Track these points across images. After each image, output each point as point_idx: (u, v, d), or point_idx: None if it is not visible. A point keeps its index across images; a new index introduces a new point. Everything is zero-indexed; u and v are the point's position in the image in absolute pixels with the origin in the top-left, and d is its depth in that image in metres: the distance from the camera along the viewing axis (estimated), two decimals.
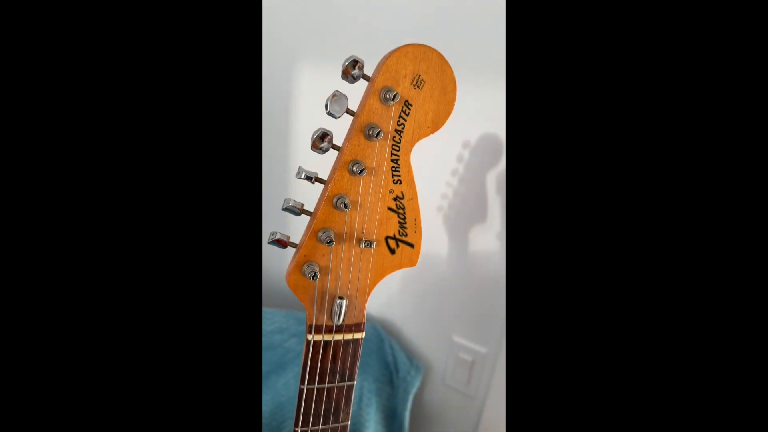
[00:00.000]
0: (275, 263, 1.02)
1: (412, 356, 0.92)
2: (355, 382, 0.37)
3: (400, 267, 0.37)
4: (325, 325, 0.35)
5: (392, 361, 0.90)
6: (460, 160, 0.73)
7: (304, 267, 0.34)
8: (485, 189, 0.73)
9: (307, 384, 0.35)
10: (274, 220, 0.98)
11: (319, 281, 0.34)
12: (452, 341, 0.89)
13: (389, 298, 0.92)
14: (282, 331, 0.90)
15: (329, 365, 0.35)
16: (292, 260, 0.34)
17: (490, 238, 0.76)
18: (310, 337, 0.34)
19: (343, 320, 0.35)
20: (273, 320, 0.91)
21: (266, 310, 0.92)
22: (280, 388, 0.87)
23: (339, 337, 0.35)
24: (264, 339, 0.89)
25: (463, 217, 0.78)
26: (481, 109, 0.68)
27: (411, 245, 0.37)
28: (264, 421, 0.87)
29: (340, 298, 0.35)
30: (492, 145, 0.70)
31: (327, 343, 0.35)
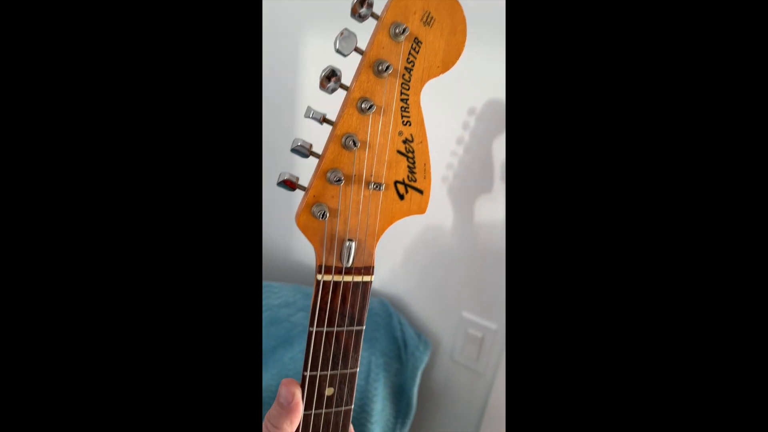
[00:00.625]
0: (282, 237, 1.02)
1: (420, 332, 0.92)
2: (364, 328, 0.37)
3: (409, 213, 0.37)
4: (335, 267, 0.35)
5: (400, 336, 0.90)
6: (465, 128, 0.73)
7: (313, 207, 0.33)
8: (491, 158, 0.73)
9: (317, 326, 0.35)
10: (275, 202, 0.98)
11: (328, 223, 0.34)
12: (461, 317, 0.89)
13: (396, 273, 0.92)
14: (289, 305, 0.90)
15: (338, 308, 0.35)
16: (302, 202, 0.34)
17: (497, 209, 0.75)
18: (319, 277, 0.34)
19: (353, 262, 0.35)
20: (279, 294, 0.91)
21: (273, 284, 0.92)
22: (287, 363, 0.87)
23: (348, 278, 0.35)
24: (270, 313, 0.89)
25: (468, 187, 0.78)
26: (487, 74, 0.68)
27: (420, 191, 0.36)
28: (271, 395, 0.87)
29: (350, 240, 0.35)
30: (499, 111, 0.69)
31: (337, 284, 0.35)
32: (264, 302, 0.90)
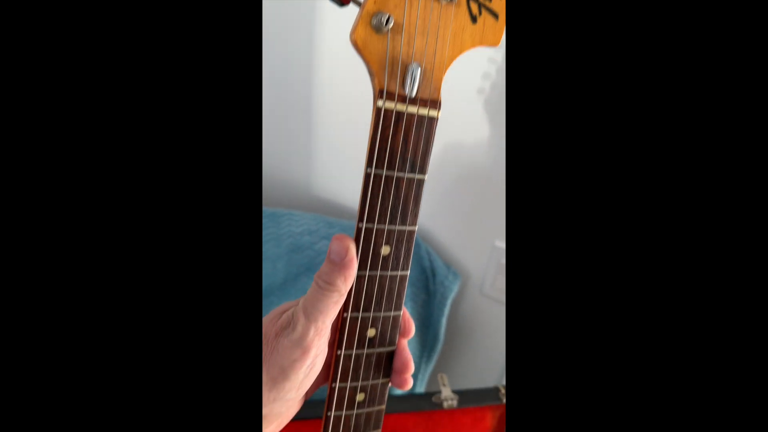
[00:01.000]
0: (302, 173, 0.97)
1: (449, 264, 0.88)
2: (425, 179, 0.32)
3: (481, 43, 0.31)
4: (398, 94, 0.29)
5: (428, 266, 0.85)
6: None
7: (373, 17, 0.28)
8: None
9: (375, 168, 0.30)
10: (295, 138, 0.92)
11: (390, 42, 0.29)
12: (494, 246, 0.84)
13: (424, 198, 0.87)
14: (311, 233, 0.85)
15: (399, 148, 0.30)
16: (359, 14, 0.29)
17: None
18: (380, 103, 0.29)
19: (418, 91, 0.30)
20: (300, 222, 0.86)
21: (294, 213, 0.88)
22: (298, 293, 0.83)
23: (413, 109, 0.30)
24: (292, 240, 0.85)
25: None
26: None
27: (495, 15, 0.31)
28: None
29: (415, 62, 0.29)
30: None
31: (399, 115, 0.30)
32: (286, 230, 0.86)
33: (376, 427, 0.37)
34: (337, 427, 0.35)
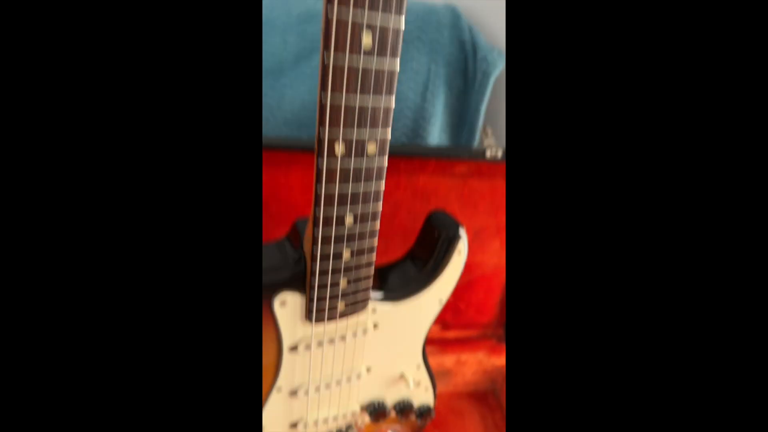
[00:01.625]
0: None
1: (493, 45, 0.73)
2: None
3: None
4: None
5: (469, 40, 0.70)
6: None
7: None
8: None
9: None
10: None
11: None
12: None
13: None
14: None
15: None
16: None
17: None
18: None
19: None
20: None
21: None
22: (313, 71, 0.71)
23: None
24: (305, 7, 0.71)
25: None
26: None
27: None
28: (293, 117, 0.73)
29: None
30: None
31: None
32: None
33: (389, 92, 0.27)
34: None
